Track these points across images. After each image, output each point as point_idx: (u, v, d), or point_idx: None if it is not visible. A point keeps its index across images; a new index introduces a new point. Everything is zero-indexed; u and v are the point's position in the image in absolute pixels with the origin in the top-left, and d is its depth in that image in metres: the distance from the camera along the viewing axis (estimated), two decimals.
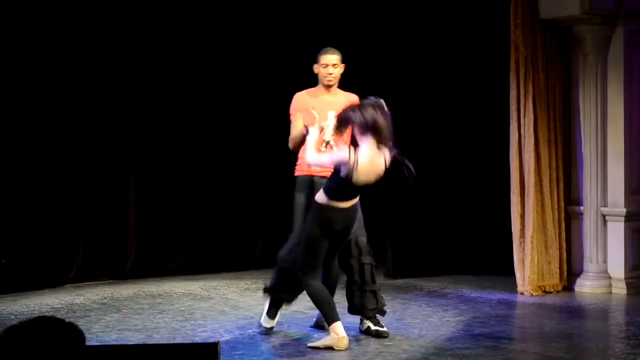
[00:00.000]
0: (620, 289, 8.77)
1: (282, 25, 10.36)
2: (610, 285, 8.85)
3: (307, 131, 6.55)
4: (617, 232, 8.85)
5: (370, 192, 10.80)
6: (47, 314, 7.66)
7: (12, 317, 7.51)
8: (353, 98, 6.79)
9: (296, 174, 6.92)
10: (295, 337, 6.87)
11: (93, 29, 9.24)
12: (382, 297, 6.99)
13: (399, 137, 9.75)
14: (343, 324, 6.49)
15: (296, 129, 6.76)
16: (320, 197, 6.36)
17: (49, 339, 2.60)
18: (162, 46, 9.73)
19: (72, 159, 9.16)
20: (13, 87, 8.77)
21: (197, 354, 3.68)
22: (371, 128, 6.19)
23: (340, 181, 6.28)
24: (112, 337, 6.81)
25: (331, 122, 6.59)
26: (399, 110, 9.85)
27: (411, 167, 6.45)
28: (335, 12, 10.57)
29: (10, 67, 8.75)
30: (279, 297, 6.89)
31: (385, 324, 7.21)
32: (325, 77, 6.87)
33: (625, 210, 8.79)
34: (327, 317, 6.51)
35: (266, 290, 6.96)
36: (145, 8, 9.56)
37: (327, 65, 6.86)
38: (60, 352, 2.59)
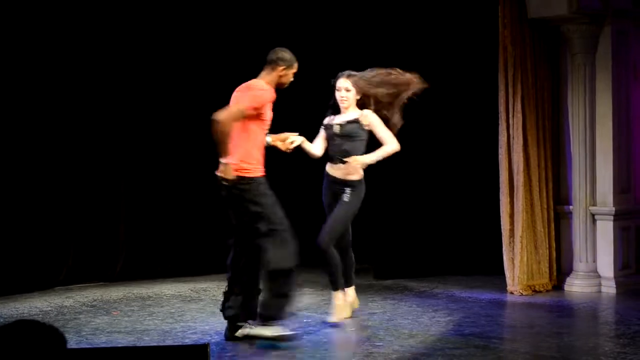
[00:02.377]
0: (609, 288, 8.79)
1: (274, 38, 10.33)
2: (600, 285, 8.86)
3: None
4: (606, 231, 8.87)
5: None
6: (36, 316, 7.64)
7: (1, 319, 7.49)
8: None
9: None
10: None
11: (85, 41, 9.24)
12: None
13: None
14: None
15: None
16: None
17: (30, 342, 2.59)
18: (153, 57, 9.73)
19: (62, 162, 9.15)
20: (7, 95, 8.76)
21: (187, 356, 3.67)
22: None
23: None
24: (102, 340, 6.79)
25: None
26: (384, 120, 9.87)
27: None
28: (323, 10, 10.59)
29: (6, 79, 8.76)
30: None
31: (376, 324, 7.24)
32: (287, 84, 6.89)
33: (614, 209, 8.81)
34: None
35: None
36: (134, 21, 9.55)
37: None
38: (41, 356, 2.58)
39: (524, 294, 8.71)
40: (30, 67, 8.91)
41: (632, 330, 7.04)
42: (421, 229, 9.97)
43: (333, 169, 7.36)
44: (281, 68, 6.73)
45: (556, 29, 8.99)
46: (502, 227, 8.86)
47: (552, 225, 9.06)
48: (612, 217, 8.82)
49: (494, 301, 8.44)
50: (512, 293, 8.75)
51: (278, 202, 6.60)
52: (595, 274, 8.91)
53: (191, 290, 9.08)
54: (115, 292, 8.91)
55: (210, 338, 6.80)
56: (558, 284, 9.04)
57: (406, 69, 9.83)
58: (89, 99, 9.33)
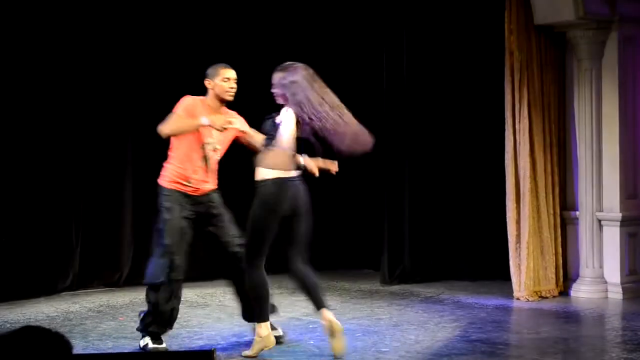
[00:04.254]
0: (616, 294, 8.77)
1: (276, 29, 10.37)
2: (607, 290, 8.84)
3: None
4: (612, 236, 8.85)
5: (367, 197, 10.85)
6: (43, 322, 7.65)
7: (8, 325, 7.50)
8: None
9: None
10: (292, 343, 6.85)
11: (89, 36, 9.24)
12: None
13: (399, 142, 9.81)
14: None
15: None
16: None
17: (36, 349, 2.59)
18: (160, 55, 9.72)
19: (68, 167, 9.15)
20: (7, 98, 8.76)
21: None
22: None
23: None
24: (109, 345, 6.80)
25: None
26: (395, 116, 9.89)
27: None
28: (331, 15, 10.61)
29: (4, 78, 8.75)
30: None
31: (382, 329, 7.23)
32: (228, 91, 6.78)
33: (620, 214, 8.80)
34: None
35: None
36: (139, 16, 9.56)
37: (229, 79, 6.80)
38: None
39: (530, 299, 8.70)
40: (34, 71, 8.91)
41: (639, 337, 7.02)
42: (428, 234, 9.96)
43: (293, 171, 6.37)
44: (207, 82, 6.80)
45: (562, 35, 8.98)
46: (508, 233, 8.85)
47: (559, 231, 9.05)
48: (618, 223, 8.80)
49: (500, 307, 8.43)
50: (518, 299, 8.73)
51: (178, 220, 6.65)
52: (601, 279, 8.89)
53: (197, 295, 9.07)
54: (122, 298, 8.92)
55: (216, 343, 6.81)
56: (564, 290, 9.02)
57: (414, 76, 9.88)
58: (93, 103, 9.33)
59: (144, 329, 6.67)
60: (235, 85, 6.80)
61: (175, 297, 6.67)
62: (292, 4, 10.47)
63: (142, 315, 6.75)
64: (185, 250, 6.67)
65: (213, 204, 6.82)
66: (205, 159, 6.74)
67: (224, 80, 6.75)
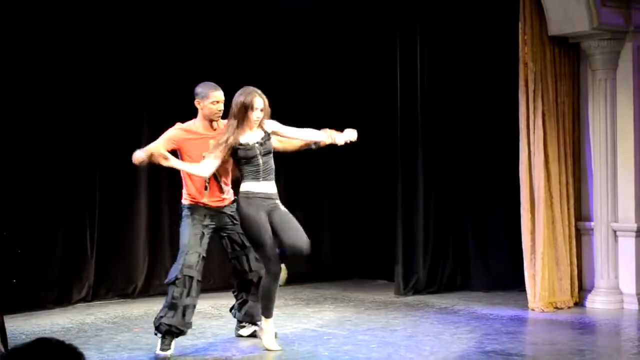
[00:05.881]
0: (632, 305, 8.75)
1: (288, 16, 10.42)
2: (622, 301, 8.82)
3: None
4: (628, 247, 8.82)
5: (381, 207, 10.84)
6: (57, 333, 7.66)
7: (24, 336, 7.51)
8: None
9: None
10: (306, 354, 6.85)
11: (97, 37, 9.25)
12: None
13: (413, 152, 9.80)
14: None
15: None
16: None
17: None
18: (179, 66, 9.74)
19: (83, 178, 9.18)
20: (21, 112, 8.80)
21: None
22: None
23: None
24: (124, 357, 6.81)
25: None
26: (408, 127, 9.88)
27: None
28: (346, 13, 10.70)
29: (13, 85, 8.79)
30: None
31: (397, 341, 7.22)
32: (217, 113, 6.93)
33: (636, 225, 8.77)
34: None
35: None
36: (146, 15, 9.57)
37: (218, 102, 6.93)
38: None
39: (545, 310, 8.67)
40: (45, 83, 8.95)
41: None
42: (442, 245, 9.95)
43: (264, 186, 6.74)
44: (197, 102, 6.97)
45: (577, 45, 8.97)
46: (523, 244, 8.83)
47: (574, 241, 9.03)
48: (634, 234, 8.77)
49: (515, 318, 8.41)
50: (533, 310, 8.71)
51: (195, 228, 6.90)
52: (617, 290, 8.86)
53: (212, 306, 9.07)
54: (137, 309, 8.93)
55: (231, 355, 6.80)
56: (580, 301, 9.00)
57: (429, 90, 9.87)
58: (108, 113, 9.36)
59: (157, 322, 6.77)
60: (222, 107, 6.94)
61: (190, 295, 6.77)
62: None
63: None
64: (200, 253, 6.84)
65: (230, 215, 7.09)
66: (207, 182, 6.91)
67: (212, 103, 6.91)
